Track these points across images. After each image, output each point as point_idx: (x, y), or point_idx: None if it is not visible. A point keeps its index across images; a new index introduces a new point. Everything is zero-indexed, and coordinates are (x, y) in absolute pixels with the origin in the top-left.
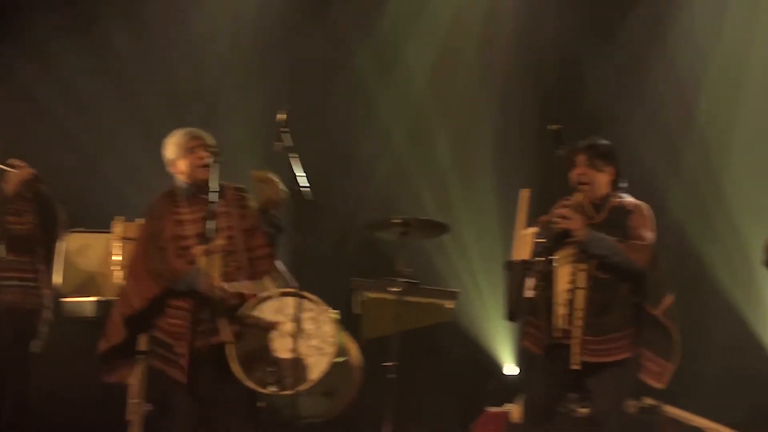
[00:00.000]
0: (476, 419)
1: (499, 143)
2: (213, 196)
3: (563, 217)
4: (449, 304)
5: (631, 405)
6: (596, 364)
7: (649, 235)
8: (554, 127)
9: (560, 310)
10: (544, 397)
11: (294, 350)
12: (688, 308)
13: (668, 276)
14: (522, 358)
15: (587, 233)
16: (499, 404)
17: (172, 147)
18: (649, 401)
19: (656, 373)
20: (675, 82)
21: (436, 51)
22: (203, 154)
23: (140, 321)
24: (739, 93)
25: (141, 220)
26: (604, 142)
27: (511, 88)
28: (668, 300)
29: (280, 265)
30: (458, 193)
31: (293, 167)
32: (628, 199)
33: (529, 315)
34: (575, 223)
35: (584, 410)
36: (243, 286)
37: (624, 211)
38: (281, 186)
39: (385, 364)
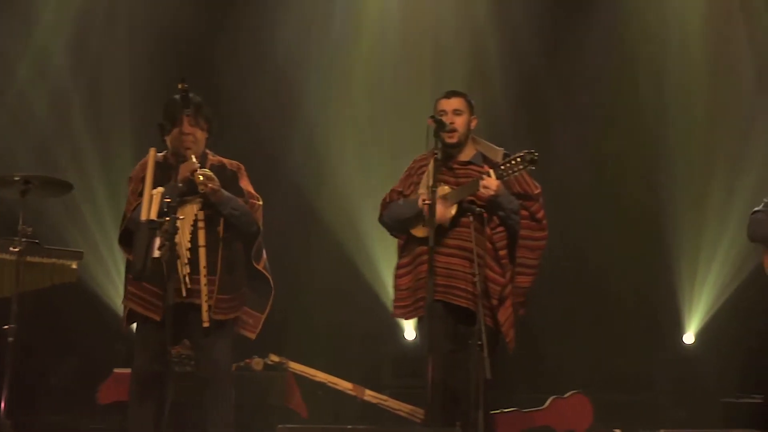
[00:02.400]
0: (103, 380)
1: (135, 102)
2: None
3: (208, 178)
4: (74, 265)
5: (257, 362)
6: (216, 321)
7: (255, 194)
8: (181, 86)
9: (184, 270)
10: (154, 360)
11: None
12: (310, 267)
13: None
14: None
15: (222, 194)
16: (128, 365)
17: None
18: (274, 358)
19: (251, 325)
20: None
21: (72, 15)
22: None
23: None
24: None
25: None
26: (200, 99)
27: (145, 52)
28: (265, 254)
29: None
30: (91, 152)
31: None
32: (220, 158)
33: (152, 277)
34: (217, 183)
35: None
36: None
37: (228, 170)
38: None
39: (3, 327)
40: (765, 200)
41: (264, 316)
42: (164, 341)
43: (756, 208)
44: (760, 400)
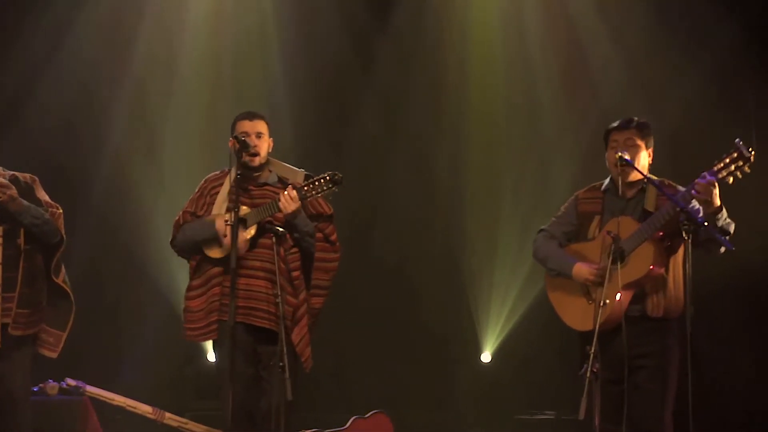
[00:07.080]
0: None
1: None
2: None
3: (3, 186)
4: None
5: (51, 387)
6: (14, 340)
7: (54, 203)
8: None
9: None
10: None
11: None
12: (110, 286)
13: None
14: None
15: (21, 203)
16: None
17: None
18: (70, 382)
19: (51, 344)
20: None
21: None
22: None
23: None
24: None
25: None
26: None
27: None
28: (64, 268)
29: None
30: None
31: None
32: (13, 172)
33: None
34: (13, 191)
35: None
36: None
37: (22, 183)
38: None
39: None
40: (553, 218)
41: (66, 334)
42: None
43: (543, 227)
44: (551, 416)
